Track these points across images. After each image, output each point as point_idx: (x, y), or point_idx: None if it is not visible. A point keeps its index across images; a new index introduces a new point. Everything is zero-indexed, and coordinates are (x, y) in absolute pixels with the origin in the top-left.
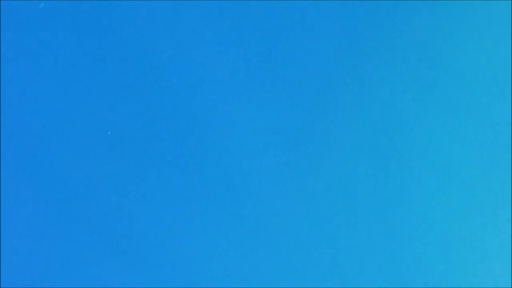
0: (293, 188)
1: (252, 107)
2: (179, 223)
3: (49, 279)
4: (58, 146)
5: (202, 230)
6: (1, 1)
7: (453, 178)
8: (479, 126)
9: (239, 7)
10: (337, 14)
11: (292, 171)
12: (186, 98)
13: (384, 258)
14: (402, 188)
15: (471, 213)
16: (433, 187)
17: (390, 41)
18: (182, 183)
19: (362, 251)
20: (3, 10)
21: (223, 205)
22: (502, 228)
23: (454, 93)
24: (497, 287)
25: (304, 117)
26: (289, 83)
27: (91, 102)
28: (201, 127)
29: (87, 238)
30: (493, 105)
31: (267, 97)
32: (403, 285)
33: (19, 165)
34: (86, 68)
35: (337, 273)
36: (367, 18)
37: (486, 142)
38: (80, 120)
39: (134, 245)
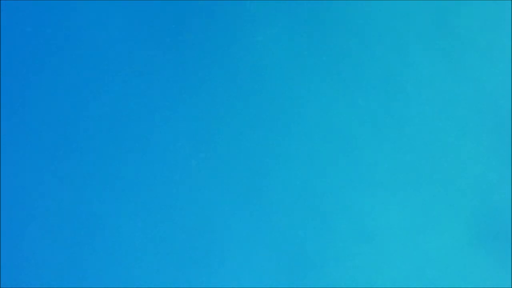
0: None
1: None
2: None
3: (49, 279)
4: (57, 146)
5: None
6: (1, 1)
7: (453, 177)
8: (479, 126)
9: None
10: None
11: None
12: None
13: (382, 257)
14: (396, 190)
15: (470, 211)
16: (431, 186)
17: (383, 42)
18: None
19: (357, 250)
20: (3, 10)
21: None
22: (502, 223)
23: (453, 92)
24: (497, 287)
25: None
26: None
27: (91, 102)
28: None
29: (87, 238)
30: (493, 105)
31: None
32: (401, 285)
33: (19, 165)
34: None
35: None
36: (357, 18)
37: (485, 142)
38: (79, 120)
39: (132, 246)
